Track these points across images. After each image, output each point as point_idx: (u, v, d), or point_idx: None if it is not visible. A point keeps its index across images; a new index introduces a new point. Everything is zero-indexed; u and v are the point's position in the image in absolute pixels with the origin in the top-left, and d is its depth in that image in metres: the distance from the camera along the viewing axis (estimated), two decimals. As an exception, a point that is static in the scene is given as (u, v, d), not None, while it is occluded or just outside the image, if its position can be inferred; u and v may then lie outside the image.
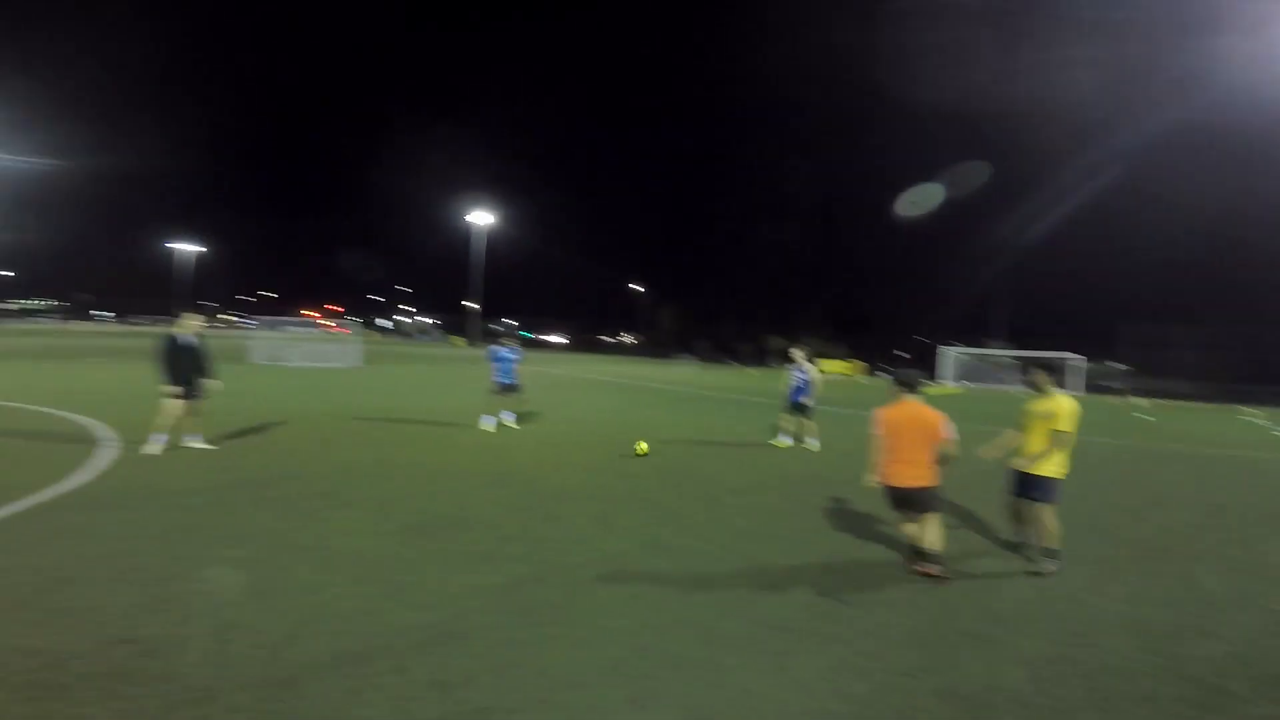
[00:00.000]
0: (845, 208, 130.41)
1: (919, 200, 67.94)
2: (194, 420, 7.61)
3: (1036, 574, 4.76)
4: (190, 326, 7.56)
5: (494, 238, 73.92)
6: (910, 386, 4.68)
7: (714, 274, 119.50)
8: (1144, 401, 35.60)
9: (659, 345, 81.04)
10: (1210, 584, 4.83)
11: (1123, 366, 52.97)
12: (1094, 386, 45.83)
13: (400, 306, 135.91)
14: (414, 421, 11.00)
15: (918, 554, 4.64)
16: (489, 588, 3.96)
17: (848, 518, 6.22)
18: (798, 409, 10.32)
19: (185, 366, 7.41)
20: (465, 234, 71.30)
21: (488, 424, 10.39)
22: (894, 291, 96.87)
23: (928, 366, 53.78)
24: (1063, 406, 4.83)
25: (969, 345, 53.14)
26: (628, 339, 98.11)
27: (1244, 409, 31.31)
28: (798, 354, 10.61)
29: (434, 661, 3.02)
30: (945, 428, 4.45)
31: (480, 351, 10.23)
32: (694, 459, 8.94)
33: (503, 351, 10.65)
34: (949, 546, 4.85)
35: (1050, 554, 4.87)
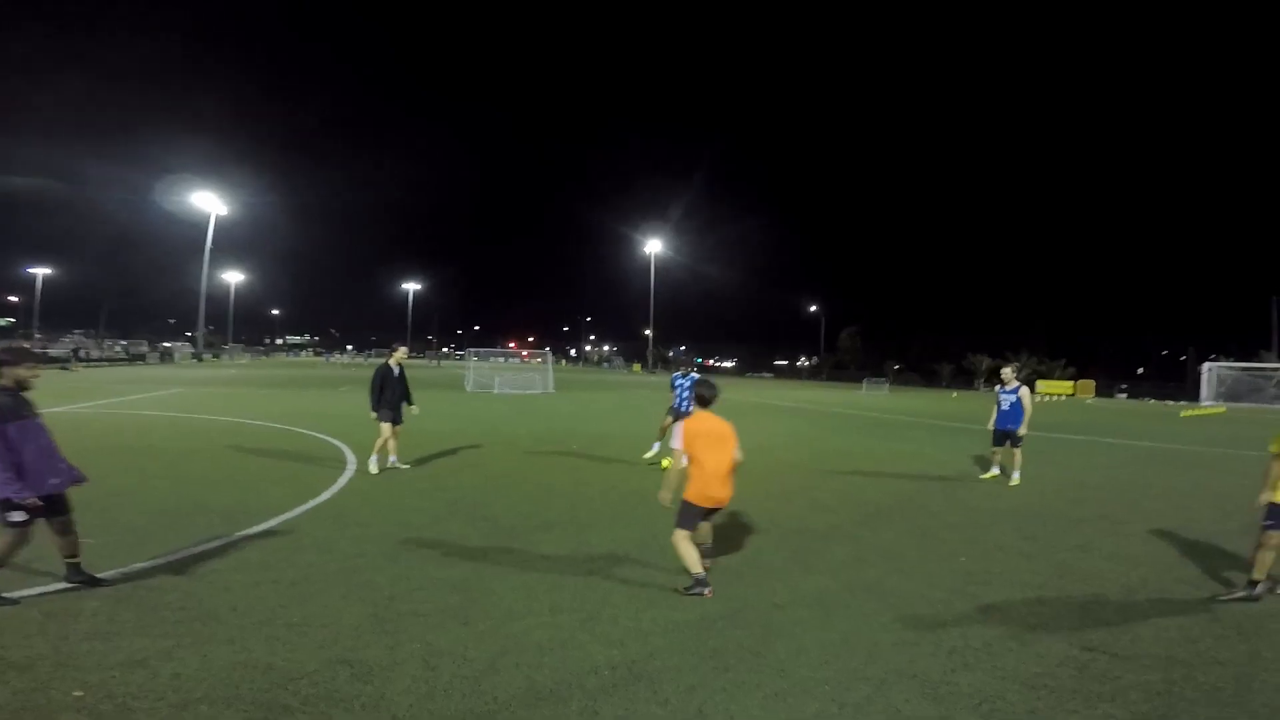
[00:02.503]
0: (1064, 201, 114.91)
1: None
2: (396, 443, 8.33)
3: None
4: (397, 357, 8.37)
5: (670, 264, 75.96)
6: (704, 401, 4.56)
7: (906, 289, 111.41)
8: None
9: (841, 368, 77.12)
10: None
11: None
12: None
13: (588, 337, 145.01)
14: (604, 444, 11.36)
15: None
16: (680, 624, 3.75)
17: (1101, 560, 5.19)
18: (1005, 436, 8.96)
19: (392, 393, 8.16)
20: (644, 264, 74.17)
21: (651, 453, 9.81)
22: (1130, 295, 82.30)
23: (1181, 382, 44.72)
24: None
25: (1238, 359, 43.47)
26: (805, 362, 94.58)
27: None
28: (1007, 373, 9.26)
29: (622, 705, 2.86)
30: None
31: (656, 377, 10.18)
32: (896, 489, 8.12)
33: (678, 378, 10.04)
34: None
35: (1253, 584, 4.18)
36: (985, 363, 62.56)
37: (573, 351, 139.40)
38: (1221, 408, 34.21)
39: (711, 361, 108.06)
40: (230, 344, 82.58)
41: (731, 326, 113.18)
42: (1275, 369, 40.14)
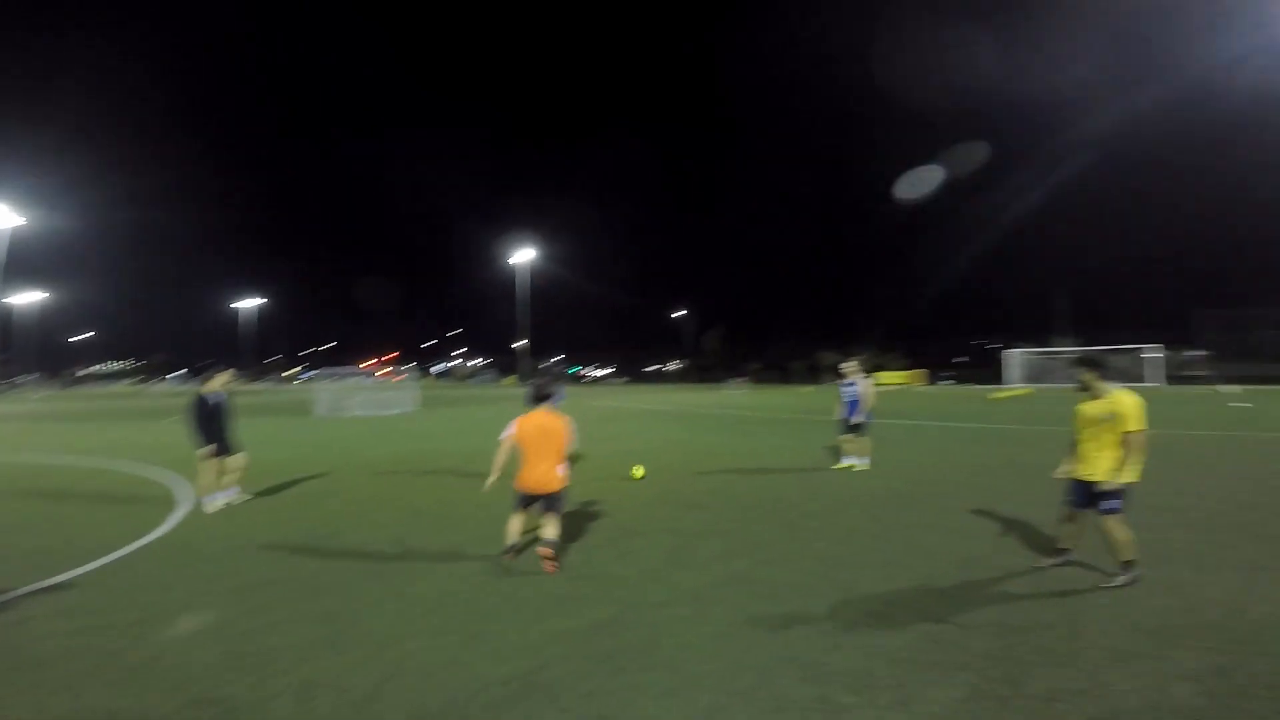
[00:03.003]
0: (892, 214, 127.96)
1: (916, 183, 65.67)
2: (231, 476, 7.60)
3: (1109, 588, 4.31)
4: (217, 384, 7.59)
5: (538, 275, 74.75)
6: (539, 398, 5.17)
7: (760, 292, 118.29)
8: (1235, 388, 33.12)
9: (706, 370, 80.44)
10: None
11: (1202, 353, 49.67)
12: (1175, 377, 43.13)
13: (453, 351, 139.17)
14: (473, 463, 10.98)
15: (539, 541, 5.04)
16: (568, 633, 3.76)
17: (939, 536, 5.79)
18: (851, 427, 9.69)
19: (218, 423, 7.46)
20: (511, 274, 72.67)
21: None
22: (954, 296, 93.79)
23: (993, 369, 51.73)
24: (1125, 404, 4.36)
25: (1035, 345, 50.77)
26: (674, 366, 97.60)
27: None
28: (848, 367, 10.04)
29: (521, 717, 2.84)
30: (569, 433, 5.08)
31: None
32: (760, 484, 8.58)
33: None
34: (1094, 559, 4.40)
35: (1126, 566, 4.39)
36: (833, 359, 68.32)
37: (439, 367, 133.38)
38: (1028, 389, 39.89)
39: (588, 370, 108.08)
40: (25, 376, 70.10)
41: (605, 334, 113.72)
42: (1064, 351, 47.50)
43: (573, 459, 5.22)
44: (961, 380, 55.90)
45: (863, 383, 9.72)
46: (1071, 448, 4.73)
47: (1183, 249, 73.97)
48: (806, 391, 43.94)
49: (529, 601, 4.29)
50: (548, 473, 4.94)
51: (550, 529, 4.97)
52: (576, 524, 6.29)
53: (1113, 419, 4.38)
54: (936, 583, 4.52)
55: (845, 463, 9.79)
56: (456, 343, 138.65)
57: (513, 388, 60.16)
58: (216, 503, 7.31)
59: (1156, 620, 3.69)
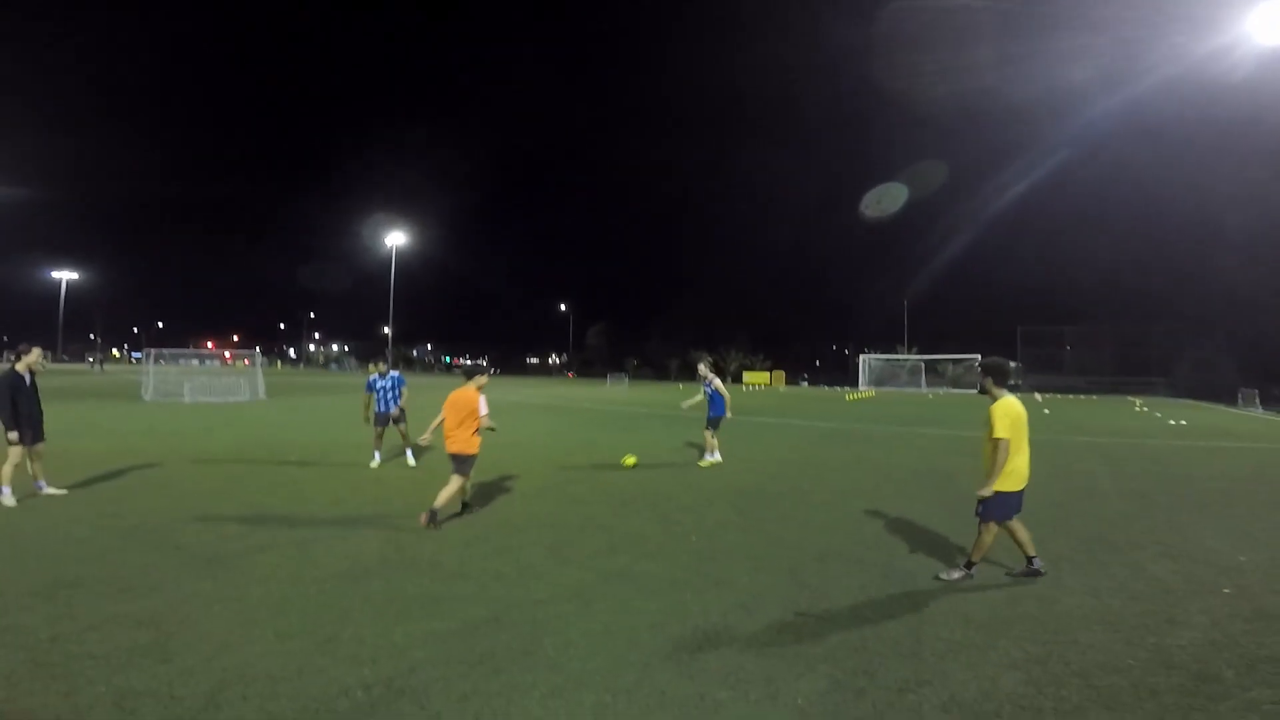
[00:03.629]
0: (764, 225, 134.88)
1: (882, 201, 70.94)
2: (38, 465, 6.66)
3: (941, 579, 4.62)
4: (27, 361, 6.59)
5: (412, 263, 70.29)
6: (467, 375, 6.15)
7: (641, 291, 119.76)
8: (1037, 396, 38.39)
9: (587, 365, 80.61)
10: (1160, 572, 4.92)
11: (1018, 364, 57.15)
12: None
13: (312, 335, 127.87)
14: (322, 454, 10.16)
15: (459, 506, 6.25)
16: (440, 634, 3.53)
17: (799, 529, 6.12)
18: (710, 423, 10.12)
19: (27, 406, 6.49)
20: (381, 259, 67.96)
21: (374, 462, 9.09)
22: (813, 304, 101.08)
23: (847, 373, 56.36)
24: (992, 411, 4.48)
25: (881, 352, 55.76)
26: (555, 360, 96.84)
27: (1134, 398, 34.18)
28: (703, 368, 10.56)
29: None
30: (483, 408, 5.95)
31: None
32: (638, 479, 8.66)
33: (376, 380, 9.18)
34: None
35: (968, 564, 4.66)
36: (704, 358, 71.15)
37: (293, 352, 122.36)
38: (872, 391, 43.82)
39: (461, 359, 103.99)
40: None
41: (483, 326, 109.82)
42: (905, 359, 52.72)
43: (490, 430, 6.08)
44: (816, 383, 60.51)
45: (716, 381, 10.20)
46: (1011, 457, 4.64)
47: (1015, 270, 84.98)
48: (680, 389, 45.32)
49: (392, 602, 3.99)
50: (459, 439, 5.90)
51: (448, 487, 5.85)
52: (449, 524, 5.98)
53: (987, 424, 4.48)
54: (798, 575, 4.73)
55: (709, 460, 10.09)
56: (315, 328, 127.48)
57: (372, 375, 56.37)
58: (9, 496, 6.26)
59: (986, 613, 4.02)
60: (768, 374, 60.89)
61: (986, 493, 4.41)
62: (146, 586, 4.12)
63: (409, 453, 9.36)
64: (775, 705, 2.88)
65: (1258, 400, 31.28)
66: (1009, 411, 4.42)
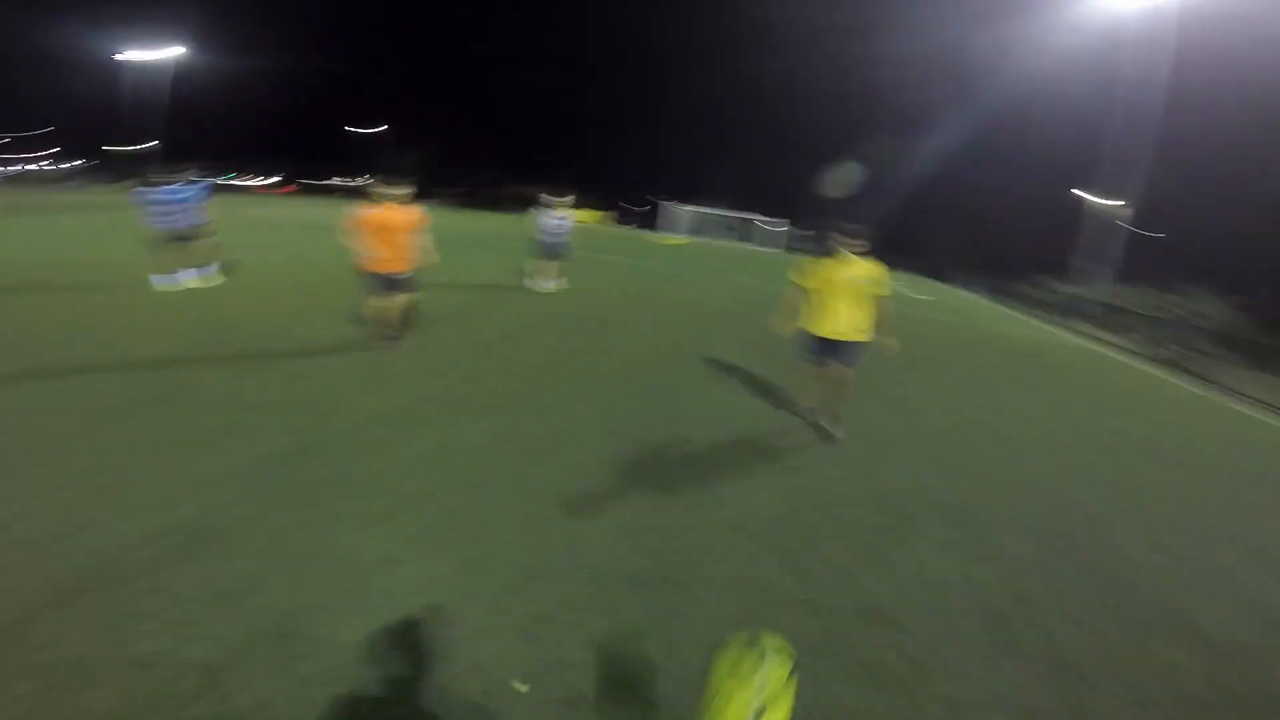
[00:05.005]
0: (586, 64, 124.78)
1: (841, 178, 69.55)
2: None
3: (831, 438, 4.89)
4: None
5: (188, 70, 54.31)
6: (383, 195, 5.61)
7: (459, 120, 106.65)
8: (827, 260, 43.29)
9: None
10: (885, 422, 5.73)
11: (811, 231, 63.14)
12: (791, 247, 54.08)
13: (40, 151, 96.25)
14: (66, 282, 8.36)
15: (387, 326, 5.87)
16: (239, 470, 3.26)
17: (614, 355, 6.51)
18: (552, 253, 10.35)
19: None
20: (140, 69, 51.87)
21: (163, 284, 7.78)
22: (631, 150, 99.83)
23: (659, 219, 58.24)
24: (881, 273, 4.75)
25: (693, 204, 58.00)
26: (361, 182, 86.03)
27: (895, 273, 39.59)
28: (561, 202, 10.40)
29: (201, 570, 2.44)
30: (421, 223, 5.71)
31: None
32: (453, 302, 8.44)
33: (158, 194, 7.78)
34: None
35: (836, 420, 5.04)
36: (539, 193, 68.86)
37: (11, 170, 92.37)
38: (686, 240, 46.11)
39: (251, 180, 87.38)
40: None
41: (274, 141, 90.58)
42: (713, 212, 55.77)
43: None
44: (642, 226, 62.18)
45: (571, 217, 10.34)
46: (810, 306, 4.92)
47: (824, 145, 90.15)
48: (511, 219, 43.65)
49: (174, 441, 3.54)
50: (385, 259, 5.55)
51: (398, 309, 5.74)
52: (234, 350, 5.40)
53: (869, 284, 4.71)
54: (610, 401, 5.09)
55: (543, 287, 10.35)
56: (45, 142, 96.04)
57: (121, 195, 45.11)
58: None
59: (762, 442, 4.76)
60: (598, 212, 60.71)
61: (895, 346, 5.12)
62: None
63: (185, 274, 8.05)
64: (597, 517, 3.19)
65: (984, 288, 38.33)
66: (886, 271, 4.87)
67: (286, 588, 2.40)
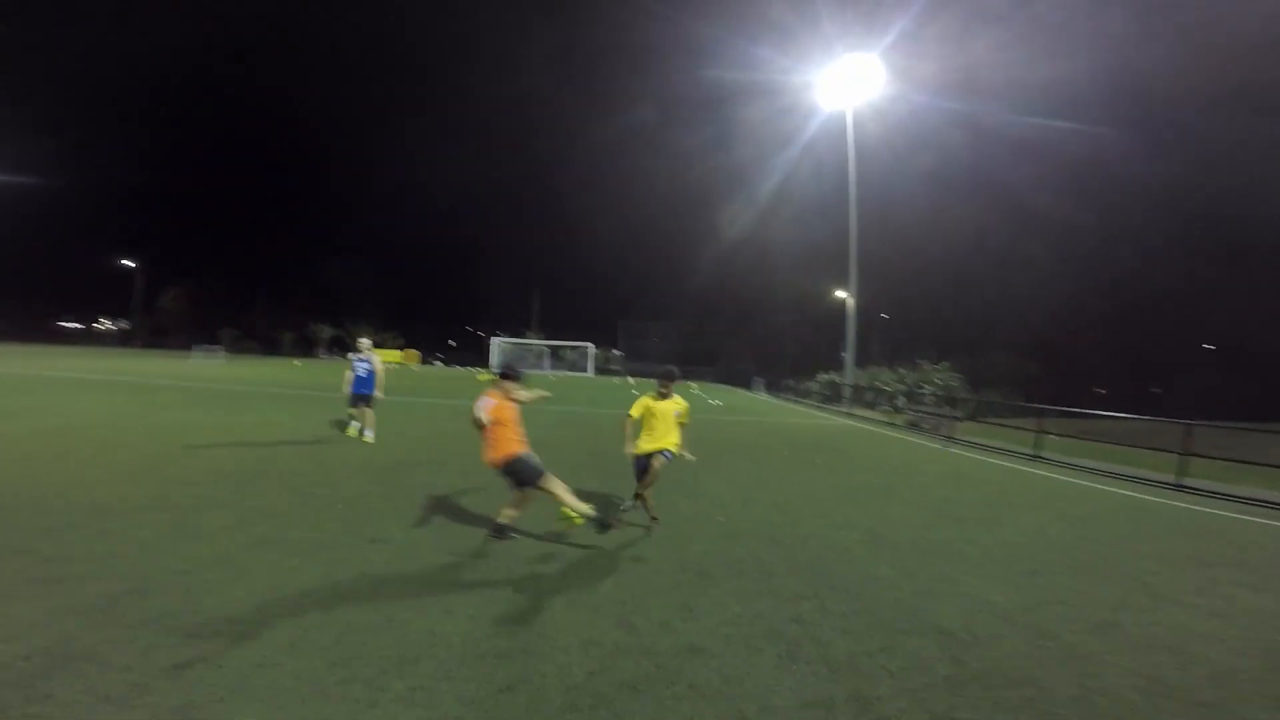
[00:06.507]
0: (389, 197, 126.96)
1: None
2: None
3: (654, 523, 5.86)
4: None
5: None
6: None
7: (237, 256, 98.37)
8: (631, 380, 46.19)
9: (160, 333, 65.02)
10: (684, 508, 7.07)
11: (619, 353, 67.44)
12: (600, 369, 56.91)
13: None
14: None
15: None
16: (82, 608, 3.33)
17: (436, 490, 6.83)
18: (361, 399, 10.08)
19: None
20: None
21: None
22: (445, 284, 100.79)
23: (479, 354, 58.22)
24: (685, 404, 5.88)
25: (510, 335, 59.23)
26: (109, 325, 74.95)
27: (691, 385, 43.59)
28: (363, 343, 10.43)
29: (80, 684, 2.61)
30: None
31: None
32: (258, 457, 8.07)
33: None
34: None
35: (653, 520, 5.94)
36: (328, 332, 65.15)
37: None
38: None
39: None
40: None
41: None
42: (532, 343, 57.17)
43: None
44: (451, 362, 61.32)
45: (375, 358, 10.22)
46: (637, 433, 5.81)
47: (618, 271, 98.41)
48: (295, 365, 40.57)
49: (3, 590, 3.49)
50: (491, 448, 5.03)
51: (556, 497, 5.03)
52: (17, 511, 4.99)
53: (679, 414, 5.82)
54: (444, 524, 5.47)
55: (354, 429, 10.14)
56: None
57: None
58: None
59: (580, 539, 5.23)
60: (400, 352, 58.91)
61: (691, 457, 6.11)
62: None
63: None
64: (454, 619, 3.59)
65: (764, 386, 43.60)
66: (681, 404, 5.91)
67: (170, 690, 2.62)
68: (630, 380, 44.34)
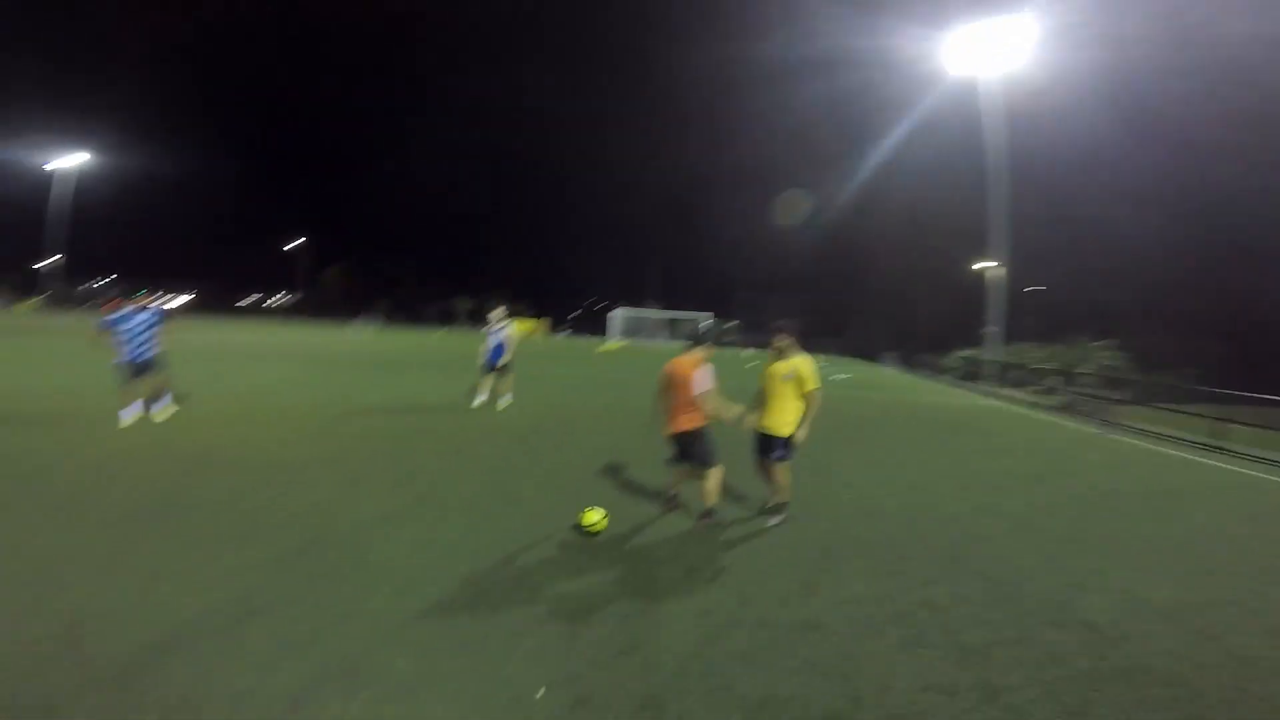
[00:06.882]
0: (522, 174, 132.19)
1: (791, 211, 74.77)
2: None
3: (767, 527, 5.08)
4: None
5: (86, 181, 53.54)
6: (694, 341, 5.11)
7: (390, 232, 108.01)
8: (749, 351, 45.49)
9: (324, 308, 72.83)
10: (810, 482, 6.89)
11: (736, 323, 66.56)
12: (721, 341, 56.69)
13: None
14: (23, 409, 8.32)
15: None
16: (265, 561, 3.76)
17: (579, 455, 7.17)
18: (494, 369, 10.64)
19: None
20: (39, 181, 51.04)
21: (128, 417, 7.48)
22: (571, 256, 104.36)
23: (600, 325, 59.96)
24: (806, 367, 4.98)
25: (631, 306, 60.28)
26: (280, 300, 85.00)
27: (819, 355, 42.18)
28: (496, 313, 10.88)
29: (266, 629, 2.98)
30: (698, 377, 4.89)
31: (73, 316, 7.58)
32: (413, 421, 8.95)
33: (129, 317, 7.51)
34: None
35: (780, 508, 5.23)
36: (467, 304, 70.05)
37: None
38: (622, 343, 47.62)
39: (157, 298, 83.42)
40: None
41: (184, 259, 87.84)
42: (651, 314, 57.87)
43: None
44: (576, 333, 63.76)
45: (508, 328, 10.80)
46: (758, 403, 5.23)
47: (738, 241, 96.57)
48: (439, 335, 44.03)
49: (197, 539, 4.05)
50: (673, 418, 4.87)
51: (702, 483, 4.92)
52: (223, 469, 5.81)
53: (794, 379, 4.96)
54: (582, 495, 5.56)
55: (483, 399, 10.70)
56: None
57: (32, 314, 43.08)
58: None
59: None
60: (533, 322, 62.03)
61: (801, 436, 5.03)
62: None
63: (157, 405, 7.94)
64: (580, 581, 3.81)
65: (895, 360, 41.31)
66: (814, 364, 5.06)
67: (335, 645, 2.92)
68: (744, 353, 43.57)
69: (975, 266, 36.61)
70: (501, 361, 10.61)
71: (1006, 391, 23.01)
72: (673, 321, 57.76)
